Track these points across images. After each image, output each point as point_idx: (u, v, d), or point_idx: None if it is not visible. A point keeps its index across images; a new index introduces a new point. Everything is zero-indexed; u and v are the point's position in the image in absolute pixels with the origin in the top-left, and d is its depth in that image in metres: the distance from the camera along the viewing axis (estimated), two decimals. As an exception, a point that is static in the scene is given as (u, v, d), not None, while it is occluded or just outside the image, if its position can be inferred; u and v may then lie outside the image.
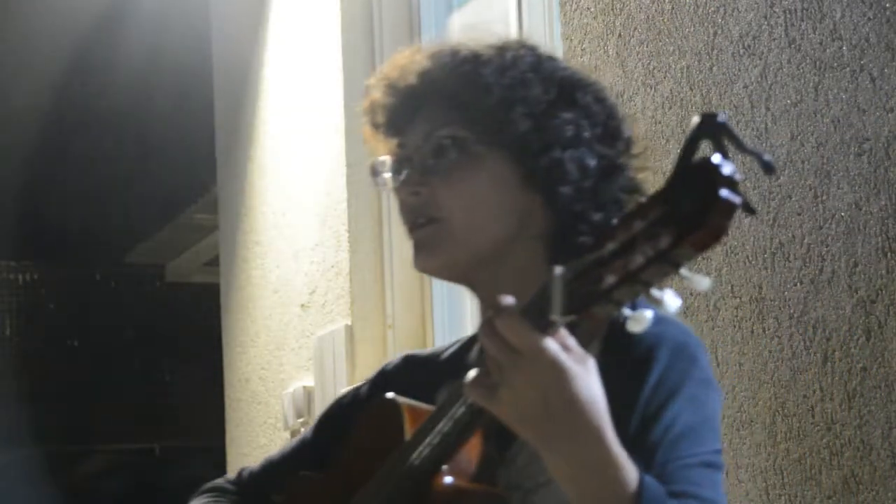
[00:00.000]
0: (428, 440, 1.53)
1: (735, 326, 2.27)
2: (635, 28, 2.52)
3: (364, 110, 1.78)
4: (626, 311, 1.23)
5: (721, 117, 1.17)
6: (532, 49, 1.73)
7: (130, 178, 6.74)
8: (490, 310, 1.45)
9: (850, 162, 2.05)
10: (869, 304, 2.02)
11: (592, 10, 2.64)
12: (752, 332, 2.23)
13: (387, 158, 1.75)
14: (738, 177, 1.12)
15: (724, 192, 1.11)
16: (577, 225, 1.66)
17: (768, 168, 1.19)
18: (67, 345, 7.11)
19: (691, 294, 2.35)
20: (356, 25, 3.75)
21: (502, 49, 1.72)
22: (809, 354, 2.12)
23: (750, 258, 2.24)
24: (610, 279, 1.20)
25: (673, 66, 2.43)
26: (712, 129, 1.17)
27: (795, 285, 2.15)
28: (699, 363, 1.61)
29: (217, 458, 4.41)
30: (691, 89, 2.38)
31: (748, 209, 1.14)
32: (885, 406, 1.99)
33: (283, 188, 4.05)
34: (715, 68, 2.33)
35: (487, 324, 1.34)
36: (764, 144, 2.21)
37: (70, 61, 6.27)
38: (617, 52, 2.57)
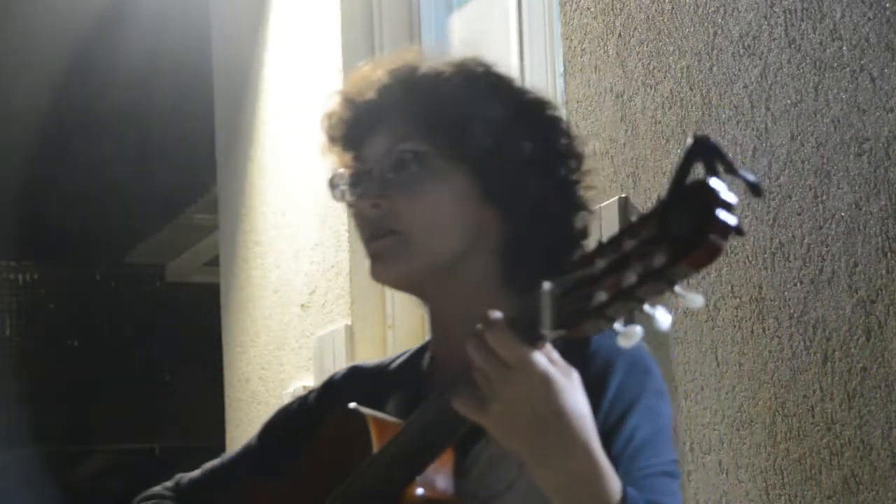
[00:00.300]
0: (401, 451, 1.55)
1: (735, 326, 2.27)
2: (635, 28, 2.52)
3: (320, 123, 1.82)
4: (617, 327, 1.26)
5: (712, 140, 1.21)
6: (490, 67, 1.78)
7: (130, 178, 6.73)
8: (439, 322, 1.50)
9: (850, 162, 2.05)
10: (869, 304, 2.02)
11: (592, 10, 2.64)
12: (752, 332, 2.23)
13: (344, 171, 1.78)
14: (734, 199, 1.16)
15: (722, 213, 1.16)
16: (531, 240, 1.71)
17: (756, 190, 1.23)
18: (67, 345, 7.10)
19: (691, 294, 2.35)
20: (356, 25, 3.75)
21: (461, 67, 1.76)
22: (809, 354, 2.12)
23: (750, 258, 2.24)
24: (601, 296, 1.24)
25: (673, 66, 2.43)
26: (705, 151, 1.20)
27: (795, 285, 2.15)
28: (653, 374, 1.66)
29: (217, 459, 4.40)
30: (691, 89, 2.38)
31: (739, 232, 1.18)
32: (885, 406, 1.99)
33: (283, 188, 4.05)
34: (715, 68, 2.33)
35: (477, 337, 1.37)
36: (764, 144, 2.21)
37: (70, 62, 6.27)
38: (617, 52, 2.57)
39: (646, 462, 1.56)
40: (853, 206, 2.04)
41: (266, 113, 4.20)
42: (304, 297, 3.88)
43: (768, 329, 2.20)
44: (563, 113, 1.80)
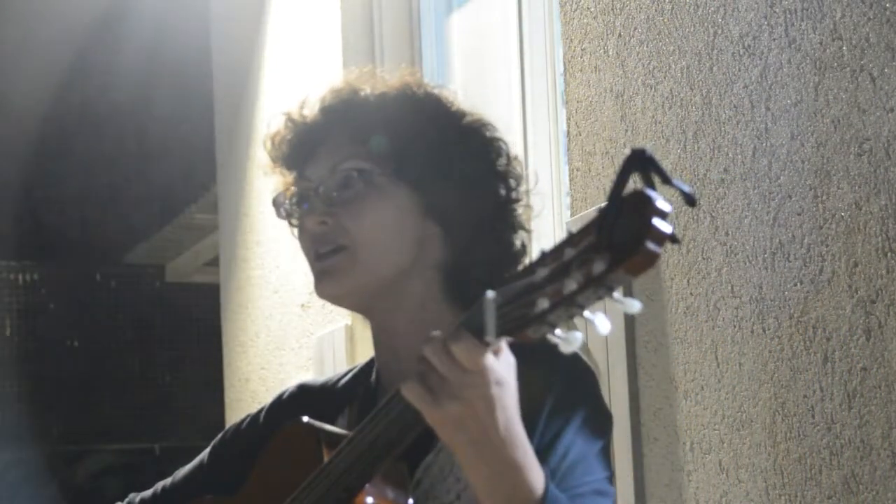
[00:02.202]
0: (351, 458, 1.58)
1: (735, 326, 2.27)
2: (635, 28, 2.52)
3: (263, 145, 1.87)
4: (558, 333, 1.30)
5: (648, 152, 1.26)
6: (430, 90, 1.83)
7: (130, 178, 6.73)
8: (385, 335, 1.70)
9: (850, 162, 2.05)
10: (869, 304, 2.02)
11: (592, 10, 2.64)
12: (752, 332, 2.23)
13: (288, 191, 1.83)
14: (668, 208, 1.22)
15: (657, 221, 1.21)
16: (471, 258, 1.77)
17: (690, 200, 1.27)
18: (67, 345, 7.10)
19: (691, 294, 2.35)
20: (356, 25, 3.75)
21: (402, 88, 1.82)
22: (809, 354, 2.12)
23: (750, 258, 2.24)
24: (543, 303, 1.28)
25: (673, 66, 2.43)
26: (641, 162, 1.25)
27: (795, 285, 2.15)
28: (592, 389, 1.72)
29: (217, 459, 4.39)
30: (691, 89, 2.38)
31: (674, 240, 1.23)
32: (885, 406, 1.99)
33: (283, 188, 4.05)
34: (715, 68, 2.33)
35: (437, 343, 1.40)
36: (764, 144, 2.21)
37: (70, 62, 6.27)
38: (617, 52, 2.57)
39: (578, 480, 1.61)
40: (853, 206, 2.04)
41: (266, 113, 4.19)
42: (304, 297, 3.88)
43: (768, 329, 2.20)
44: (501, 134, 1.85)
